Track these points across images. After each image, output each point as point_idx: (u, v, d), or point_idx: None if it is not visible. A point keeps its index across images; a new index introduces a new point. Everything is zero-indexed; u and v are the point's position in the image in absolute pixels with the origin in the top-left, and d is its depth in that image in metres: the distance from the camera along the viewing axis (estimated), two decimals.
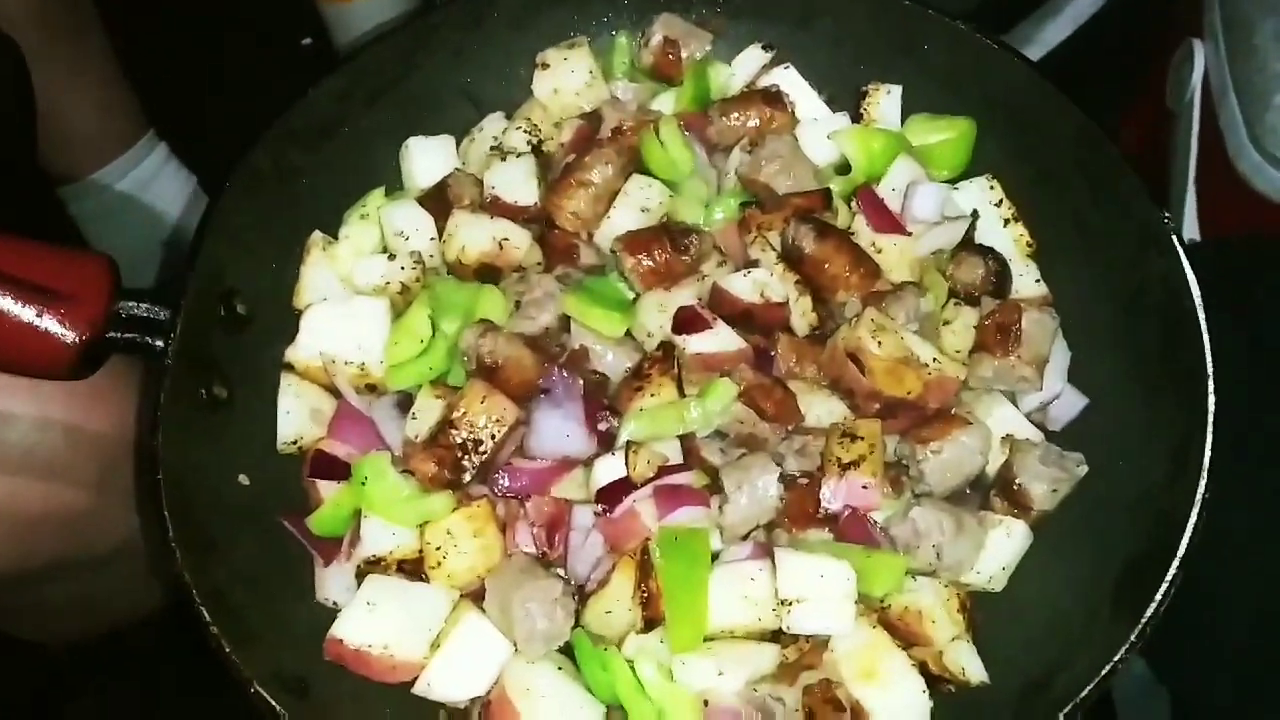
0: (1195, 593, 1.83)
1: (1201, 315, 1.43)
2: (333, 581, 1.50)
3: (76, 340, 1.41)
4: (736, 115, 1.69)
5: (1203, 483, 1.35)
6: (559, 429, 1.49)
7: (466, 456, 1.47)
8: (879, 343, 1.48)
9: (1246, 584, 1.81)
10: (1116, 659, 1.27)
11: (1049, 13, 3.09)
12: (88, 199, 2.83)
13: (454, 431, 1.47)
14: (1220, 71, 2.19)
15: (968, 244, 1.62)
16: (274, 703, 1.28)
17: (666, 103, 1.78)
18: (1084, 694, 1.26)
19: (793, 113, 1.72)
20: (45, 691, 2.38)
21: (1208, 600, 1.83)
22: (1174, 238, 1.47)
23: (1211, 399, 1.39)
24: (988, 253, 1.60)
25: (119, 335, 1.45)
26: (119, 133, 2.81)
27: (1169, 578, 1.30)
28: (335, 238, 1.68)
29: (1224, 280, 1.98)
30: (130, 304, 1.46)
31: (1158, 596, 1.29)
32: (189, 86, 3.11)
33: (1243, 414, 1.88)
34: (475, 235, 1.62)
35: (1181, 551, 1.32)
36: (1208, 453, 1.36)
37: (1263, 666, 1.78)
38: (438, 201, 1.69)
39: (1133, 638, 1.28)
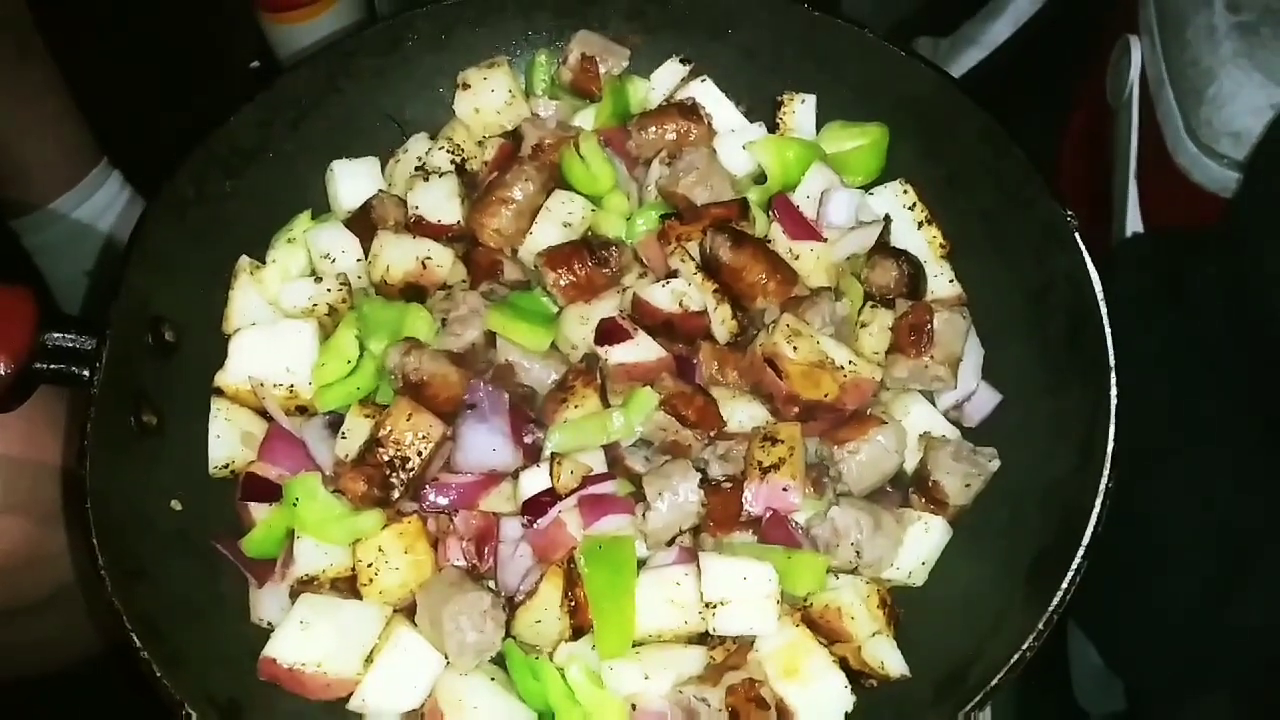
0: (1140, 591, 1.89)
1: (1104, 309, 1.47)
2: (267, 602, 1.52)
3: (2, 373, 1.43)
4: (654, 129, 1.73)
5: (1106, 472, 1.38)
6: (485, 443, 1.51)
7: (394, 474, 1.49)
8: (794, 347, 1.51)
9: (1183, 578, 1.85)
10: (1025, 647, 1.30)
11: (991, 13, 3.13)
12: (41, 231, 2.77)
13: (381, 450, 1.49)
14: (1156, 67, 2.22)
15: (882, 248, 1.65)
16: None
17: (587, 119, 1.81)
18: (995, 682, 1.30)
19: (710, 125, 1.76)
20: None
21: (1152, 597, 1.89)
22: (1076, 235, 1.51)
23: (1114, 390, 1.42)
24: (901, 255, 1.63)
25: (45, 366, 1.47)
26: (70, 162, 2.75)
27: (1074, 566, 1.33)
28: (263, 262, 1.70)
29: (1159, 270, 2.04)
30: (56, 334, 1.48)
31: (1064, 585, 1.32)
32: (139, 114, 3.08)
33: (1173, 400, 1.93)
34: (398, 255, 1.64)
35: (1087, 539, 1.34)
36: (1111, 444, 1.39)
37: (1196, 652, 1.84)
38: (363, 223, 1.71)
39: (1040, 626, 1.31)
